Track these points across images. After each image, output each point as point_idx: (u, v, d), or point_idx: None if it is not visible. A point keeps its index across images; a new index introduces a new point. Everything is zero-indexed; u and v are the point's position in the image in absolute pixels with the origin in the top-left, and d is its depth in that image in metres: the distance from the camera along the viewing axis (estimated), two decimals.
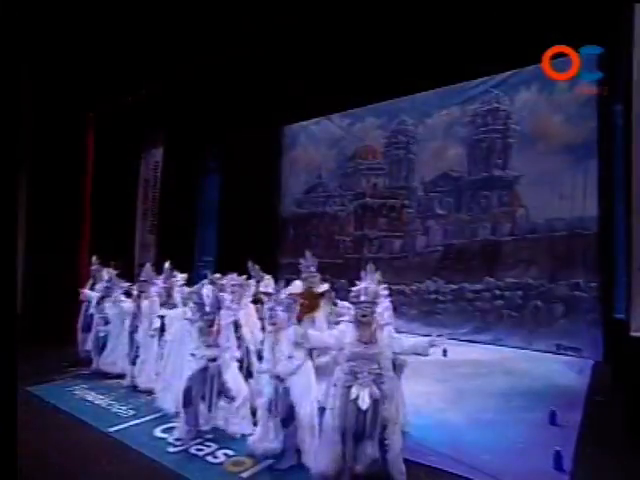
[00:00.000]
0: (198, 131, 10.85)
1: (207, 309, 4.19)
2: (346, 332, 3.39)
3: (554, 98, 7.71)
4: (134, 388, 5.59)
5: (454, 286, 8.77)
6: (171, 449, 4.01)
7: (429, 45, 7.57)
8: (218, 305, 4.24)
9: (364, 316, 3.27)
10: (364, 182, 10.37)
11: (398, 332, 8.71)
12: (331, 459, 3.25)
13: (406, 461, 3.33)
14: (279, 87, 9.39)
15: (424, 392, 5.37)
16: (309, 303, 4.48)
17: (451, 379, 6.10)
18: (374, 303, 3.35)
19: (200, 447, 4.03)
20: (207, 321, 4.14)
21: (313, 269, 4.82)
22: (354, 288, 3.40)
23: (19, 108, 1.94)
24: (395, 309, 9.00)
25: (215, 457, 3.86)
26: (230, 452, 3.94)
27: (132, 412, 4.89)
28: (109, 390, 5.60)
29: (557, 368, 6.68)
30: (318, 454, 3.37)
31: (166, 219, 10.62)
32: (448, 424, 4.58)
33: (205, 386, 4.17)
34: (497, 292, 8.21)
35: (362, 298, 3.30)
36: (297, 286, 4.79)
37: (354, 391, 3.17)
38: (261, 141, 11.20)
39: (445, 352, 7.45)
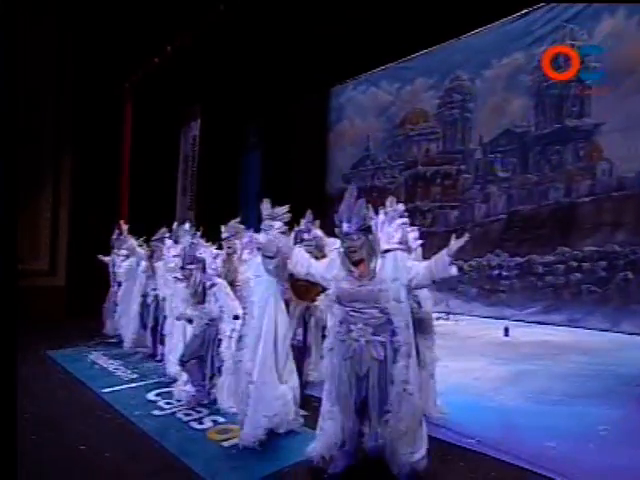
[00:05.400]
0: (236, 103, 10.28)
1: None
2: (334, 262, 2.53)
3: None
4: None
5: (520, 259, 7.49)
6: (157, 412, 3.53)
7: None
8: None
9: (353, 252, 2.40)
10: (415, 149, 9.38)
11: (454, 314, 7.38)
12: (330, 435, 2.49)
13: (445, 444, 2.83)
14: (323, 45, 8.54)
15: (475, 369, 4.55)
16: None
17: (513, 359, 5.11)
18: (365, 231, 2.42)
19: (189, 412, 3.50)
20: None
21: (307, 236, 3.97)
22: (335, 216, 2.47)
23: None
24: (453, 288, 8.07)
25: (201, 423, 3.31)
26: (220, 419, 3.36)
27: (134, 376, 4.55)
28: (122, 356, 5.30)
29: None
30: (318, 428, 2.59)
31: (204, 196, 10.28)
32: (502, 405, 3.68)
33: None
34: (574, 264, 6.84)
35: (345, 228, 2.38)
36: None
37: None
38: (306, 114, 10.59)
39: (507, 331, 6.36)
